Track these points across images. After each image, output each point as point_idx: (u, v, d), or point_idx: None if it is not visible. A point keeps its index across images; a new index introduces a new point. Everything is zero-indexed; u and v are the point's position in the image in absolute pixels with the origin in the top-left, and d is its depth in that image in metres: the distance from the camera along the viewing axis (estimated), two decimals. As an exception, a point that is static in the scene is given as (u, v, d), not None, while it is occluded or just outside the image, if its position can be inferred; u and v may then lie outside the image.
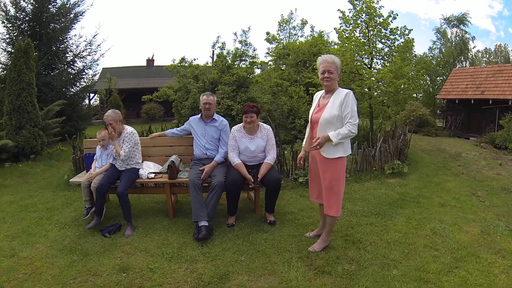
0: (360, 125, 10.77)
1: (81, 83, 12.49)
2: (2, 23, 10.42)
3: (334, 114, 2.56)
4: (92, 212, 3.65)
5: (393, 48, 8.26)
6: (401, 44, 8.15)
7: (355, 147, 6.02)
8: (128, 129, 3.74)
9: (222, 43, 9.73)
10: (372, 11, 7.99)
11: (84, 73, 12.38)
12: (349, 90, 2.60)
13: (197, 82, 8.25)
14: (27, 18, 10.59)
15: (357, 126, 2.54)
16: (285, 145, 7.25)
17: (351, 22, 8.58)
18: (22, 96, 7.11)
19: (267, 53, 15.73)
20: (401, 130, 7.68)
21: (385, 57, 8.46)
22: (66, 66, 11.84)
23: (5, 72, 9.10)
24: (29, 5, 10.47)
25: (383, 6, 9.14)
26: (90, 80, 12.62)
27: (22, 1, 10.51)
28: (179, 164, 3.89)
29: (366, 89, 8.62)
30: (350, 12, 8.35)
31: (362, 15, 8.19)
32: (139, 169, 3.82)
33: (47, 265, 2.83)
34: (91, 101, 19.42)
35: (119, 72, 22.85)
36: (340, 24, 8.88)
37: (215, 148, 3.73)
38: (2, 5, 10.16)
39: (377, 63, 8.62)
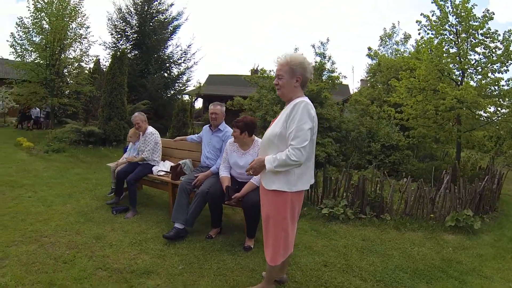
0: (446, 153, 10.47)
1: (176, 87, 17.20)
2: (110, 34, 16.75)
3: (276, 132, 2.40)
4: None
5: (492, 57, 7.92)
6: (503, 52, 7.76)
7: (408, 180, 5.36)
8: (150, 129, 5.23)
9: None
10: (464, 12, 7.72)
11: (179, 78, 17.48)
12: (302, 100, 2.39)
13: (274, 93, 9.53)
14: (132, 30, 17.02)
15: (304, 152, 2.29)
16: (355, 170, 7.55)
17: (436, 28, 8.15)
18: (113, 94, 10.87)
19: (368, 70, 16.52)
20: (499, 168, 7.19)
21: (482, 68, 8.18)
22: (162, 72, 16.69)
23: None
24: (135, 20, 16.90)
25: (476, 5, 7.94)
26: (184, 84, 17.51)
27: (129, 17, 16.72)
28: (189, 168, 5.00)
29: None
30: (433, 15, 8.43)
31: (450, 19, 8.11)
32: (154, 165, 5.17)
33: (61, 218, 4.63)
34: (194, 103, 24.20)
35: (224, 79, 27.88)
36: (419, 30, 8.57)
37: (215, 158, 4.61)
38: (111, 20, 16.68)
39: (471, 77, 8.42)
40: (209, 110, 4.74)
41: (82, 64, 16.03)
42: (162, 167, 5.16)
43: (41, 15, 14.24)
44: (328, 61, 10.89)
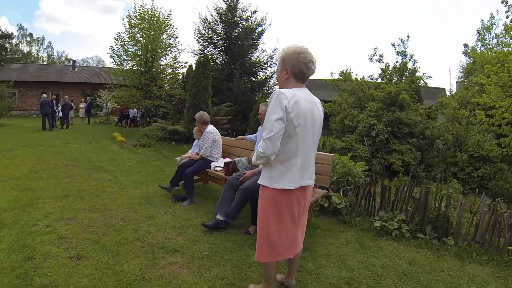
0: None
1: (264, 90, 18.79)
2: (197, 42, 19.62)
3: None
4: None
5: None
6: None
7: (482, 198, 4.70)
8: (208, 127, 6.01)
9: (380, 56, 10.58)
10: None
11: (266, 82, 19.01)
12: (278, 90, 2.50)
13: (356, 97, 9.62)
14: (218, 38, 19.48)
15: (270, 144, 2.38)
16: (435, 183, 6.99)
17: None
18: (197, 97, 12.58)
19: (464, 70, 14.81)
20: None
21: None
22: (249, 76, 18.54)
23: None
24: (220, 28, 19.49)
25: None
26: (271, 88, 18.82)
27: (215, 26, 19.29)
28: (244, 165, 5.62)
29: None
30: None
31: None
32: (212, 161, 5.94)
33: (127, 198, 5.82)
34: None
35: (310, 83, 29.54)
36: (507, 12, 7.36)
37: (261, 156, 5.22)
38: (198, 29, 19.50)
39: None
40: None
41: (173, 70, 19.64)
42: (221, 164, 5.89)
43: (135, 29, 18.39)
44: (410, 60, 10.48)
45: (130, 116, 22.29)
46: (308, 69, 2.60)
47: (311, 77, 2.75)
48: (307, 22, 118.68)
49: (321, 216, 5.30)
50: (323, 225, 4.90)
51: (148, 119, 19.13)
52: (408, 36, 10.91)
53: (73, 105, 22.55)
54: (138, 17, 18.30)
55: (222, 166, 5.78)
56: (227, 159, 6.02)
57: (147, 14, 18.34)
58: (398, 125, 9.40)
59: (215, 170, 5.82)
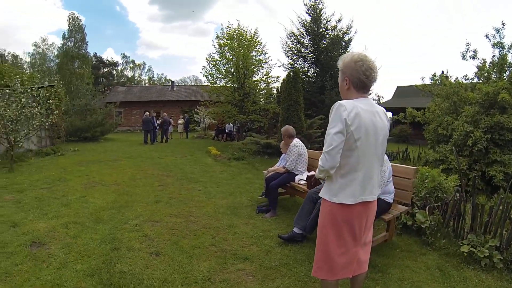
0: None
1: None
2: (287, 56, 20.96)
3: None
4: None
5: None
6: None
7: None
8: (294, 141, 6.34)
9: (474, 51, 9.50)
10: None
11: None
12: (338, 102, 2.56)
13: (451, 102, 9.00)
14: (307, 51, 20.36)
15: (328, 157, 2.49)
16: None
17: None
18: (290, 110, 13.12)
19: None
20: None
21: None
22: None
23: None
24: (307, 41, 20.64)
25: None
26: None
27: (302, 39, 20.26)
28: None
29: None
30: None
31: None
32: (297, 175, 6.28)
33: (213, 207, 6.47)
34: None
35: (415, 91, 27.70)
36: None
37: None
38: (286, 43, 21.09)
39: None
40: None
41: (267, 85, 21.07)
42: (305, 177, 6.19)
43: (225, 49, 20.47)
44: (509, 51, 9.20)
45: (227, 130, 24.09)
46: (368, 78, 2.58)
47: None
48: (396, 24, 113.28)
49: (404, 235, 5.15)
50: (404, 245, 4.77)
51: (244, 133, 20.39)
52: (503, 24, 9.74)
53: (171, 121, 25.68)
54: (226, 37, 20.26)
55: (305, 179, 6.08)
56: (312, 172, 6.29)
57: (235, 33, 20.01)
58: (499, 131, 8.46)
59: (299, 183, 6.13)
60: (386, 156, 4.11)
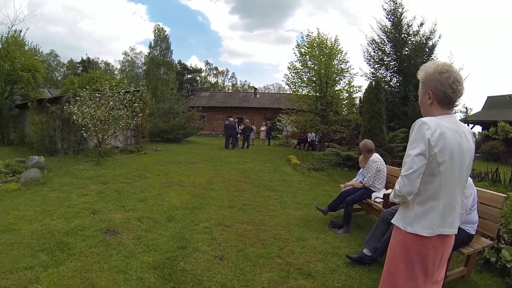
0: None
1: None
2: (368, 65, 19.98)
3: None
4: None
5: None
6: None
7: None
8: (373, 156, 6.00)
9: None
10: None
11: None
12: (420, 119, 2.32)
13: None
14: (389, 58, 19.51)
15: (407, 181, 2.25)
16: None
17: None
18: (372, 122, 12.42)
19: None
20: None
21: None
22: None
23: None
24: (389, 48, 19.38)
25: None
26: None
27: (383, 46, 19.21)
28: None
29: None
30: None
31: None
32: (374, 191, 5.94)
33: (286, 218, 6.36)
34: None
35: (502, 102, 24.93)
36: None
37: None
38: (367, 51, 19.85)
39: None
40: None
41: (349, 94, 20.64)
42: (381, 194, 5.84)
43: (306, 57, 20.51)
44: None
45: (309, 139, 23.92)
46: (454, 92, 2.31)
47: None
48: (485, 25, 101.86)
49: (484, 272, 4.47)
50: (484, 285, 4.14)
51: (326, 143, 20.02)
52: None
53: (253, 127, 26.28)
54: (307, 45, 20.27)
55: (382, 197, 5.73)
56: (389, 191, 5.92)
57: (315, 41, 19.81)
58: None
59: (375, 201, 5.80)
60: (470, 180, 3.69)
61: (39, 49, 24.32)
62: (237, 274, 3.85)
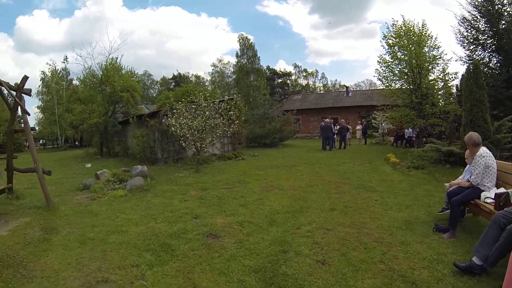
0: None
1: None
2: (462, 48, 18.38)
3: None
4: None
5: None
6: None
7: None
8: (481, 150, 5.40)
9: None
10: None
11: None
12: None
13: None
14: (484, 37, 17.61)
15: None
16: None
17: None
18: (473, 112, 11.14)
19: None
20: None
21: None
22: None
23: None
24: (483, 24, 17.60)
25: None
26: None
27: (476, 23, 17.27)
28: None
29: None
30: None
31: None
32: (483, 191, 5.43)
33: (387, 220, 6.13)
34: None
35: None
36: None
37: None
38: (459, 32, 18.23)
39: None
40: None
41: (445, 83, 18.79)
42: (492, 194, 5.31)
43: (395, 48, 19.32)
44: None
45: (406, 136, 22.67)
46: None
47: None
48: None
49: None
50: None
51: (424, 139, 18.62)
52: None
53: (349, 127, 25.50)
54: (394, 36, 19.18)
55: (493, 197, 5.23)
56: (501, 190, 5.37)
57: (402, 30, 18.59)
58: None
59: (485, 202, 5.29)
60: None
61: (134, 71, 27.04)
62: (338, 280, 3.85)
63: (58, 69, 49.92)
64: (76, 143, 51.45)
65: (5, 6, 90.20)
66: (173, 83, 68.69)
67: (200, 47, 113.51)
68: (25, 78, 8.50)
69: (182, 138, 12.99)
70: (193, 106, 13.63)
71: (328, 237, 5.19)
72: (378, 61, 20.33)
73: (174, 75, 72.36)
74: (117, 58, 23.80)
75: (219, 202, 7.55)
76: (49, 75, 48.73)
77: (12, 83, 8.23)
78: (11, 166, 9.03)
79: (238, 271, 4.12)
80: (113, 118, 23.62)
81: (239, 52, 48.76)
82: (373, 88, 56.40)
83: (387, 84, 20.06)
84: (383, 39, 19.78)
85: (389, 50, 19.55)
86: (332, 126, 22.58)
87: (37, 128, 44.18)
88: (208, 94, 14.98)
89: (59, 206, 8.13)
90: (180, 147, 15.30)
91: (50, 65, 49.87)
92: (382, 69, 20.13)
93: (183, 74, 70.81)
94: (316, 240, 5.06)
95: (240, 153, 17.56)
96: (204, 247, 4.97)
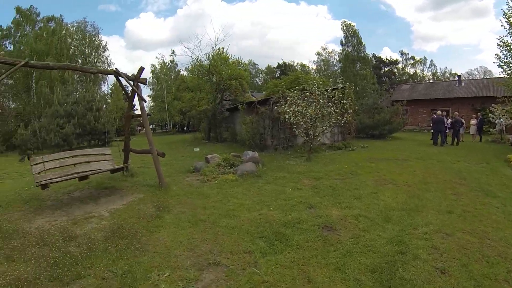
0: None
1: None
2: None
3: None
4: None
5: None
6: None
7: None
8: None
9: None
10: None
11: None
12: None
13: None
14: None
15: None
16: None
17: None
18: None
19: None
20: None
21: None
22: None
23: None
24: None
25: None
26: None
27: None
28: None
29: None
30: None
31: None
32: None
33: None
34: None
35: None
36: None
37: None
38: None
39: None
40: None
41: None
42: None
43: None
44: None
45: (532, 135, 19.16)
46: None
47: None
48: None
49: None
50: None
51: None
52: None
53: (463, 121, 22.69)
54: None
55: None
56: None
57: None
58: None
59: None
60: None
61: (241, 60, 27.54)
62: (459, 291, 3.64)
63: (166, 62, 54.27)
64: (184, 128, 54.85)
65: (116, 13, 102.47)
66: (278, 72, 68.68)
67: (302, 36, 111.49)
68: (141, 69, 9.32)
69: (295, 126, 13.14)
70: (307, 94, 13.62)
71: (448, 243, 4.90)
72: (498, 44, 17.54)
73: (279, 64, 72.31)
74: (223, 48, 24.75)
75: (333, 193, 7.50)
76: (158, 67, 53.20)
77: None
78: (128, 147, 10.14)
79: (354, 269, 4.11)
80: (220, 105, 24.80)
81: (343, 40, 47.60)
82: (488, 76, 50.37)
83: (510, 72, 17.44)
84: (503, 16, 16.85)
85: (511, 30, 16.73)
86: (445, 119, 20.48)
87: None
88: (321, 83, 14.71)
89: (170, 186, 8.79)
90: (290, 135, 15.57)
91: (159, 58, 55.82)
92: (504, 54, 17.36)
93: (288, 63, 70.75)
94: (435, 244, 4.83)
95: (349, 144, 17.21)
96: (319, 239, 5.00)
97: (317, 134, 12.90)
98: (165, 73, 53.05)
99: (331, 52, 61.42)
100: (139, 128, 46.54)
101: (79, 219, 6.46)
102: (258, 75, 77.74)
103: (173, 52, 54.59)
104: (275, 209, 6.45)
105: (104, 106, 32.53)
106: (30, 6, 35.71)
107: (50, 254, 4.77)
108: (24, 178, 11.58)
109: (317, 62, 63.32)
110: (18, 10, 35.04)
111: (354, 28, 47.40)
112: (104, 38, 42.58)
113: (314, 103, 12.76)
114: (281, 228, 5.45)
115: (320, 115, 12.61)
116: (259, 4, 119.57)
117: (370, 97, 28.26)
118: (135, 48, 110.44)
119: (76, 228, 5.94)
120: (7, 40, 35.20)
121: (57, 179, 7.37)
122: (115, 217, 6.51)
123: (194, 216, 6.32)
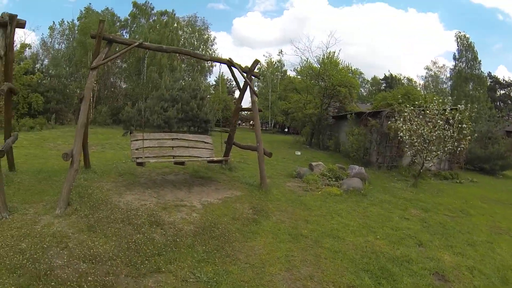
0: None
1: None
2: None
3: None
4: None
5: None
6: None
7: None
8: None
9: None
10: None
11: None
12: None
13: None
14: None
15: None
16: None
17: None
18: None
19: None
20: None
21: None
22: None
23: None
24: None
25: None
26: None
27: None
28: None
29: None
30: None
31: None
32: None
33: None
34: None
35: None
36: None
37: None
38: None
39: None
40: None
41: None
42: None
43: None
44: None
45: None
46: None
47: None
48: None
49: None
50: None
51: None
52: None
53: None
54: None
55: None
56: None
57: None
58: None
59: None
60: None
61: (351, 67, 26.69)
62: None
63: (273, 61, 54.89)
64: (285, 129, 54.81)
65: (225, 11, 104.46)
66: (384, 84, 64.86)
67: (409, 46, 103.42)
68: (256, 62, 9.17)
69: (406, 146, 12.23)
70: (422, 111, 12.42)
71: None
72: None
73: (385, 75, 67.66)
74: (334, 52, 23.99)
75: (444, 232, 6.70)
76: (265, 65, 53.74)
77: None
78: (232, 140, 10.07)
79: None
80: (326, 111, 24.34)
81: (457, 54, 42.69)
82: None
83: None
84: None
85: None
86: None
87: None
88: (440, 101, 13.32)
89: (271, 188, 8.51)
90: (397, 154, 14.70)
91: (266, 57, 56.57)
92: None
93: (395, 75, 66.27)
94: None
95: (456, 174, 15.38)
96: (430, 288, 4.39)
97: (429, 158, 11.68)
98: (272, 72, 53.58)
99: (441, 67, 56.36)
100: (239, 122, 47.78)
101: (169, 204, 6.50)
102: (363, 84, 74.82)
103: (281, 52, 55.32)
104: (382, 239, 5.92)
105: (208, 96, 33.83)
106: (146, 1, 39.77)
107: (133, 236, 4.75)
108: (124, 151, 12.38)
109: (425, 77, 57.87)
110: (135, 4, 39.33)
111: (470, 40, 42.58)
112: (212, 33, 45.79)
113: (431, 123, 11.47)
114: (389, 264, 4.92)
115: (434, 137, 11.30)
116: (366, 9, 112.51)
117: (484, 124, 25.37)
118: (241, 45, 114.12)
119: (164, 214, 5.94)
120: (124, 29, 39.76)
121: (153, 160, 7.63)
122: (207, 211, 6.41)
123: (295, 228, 6.00)
